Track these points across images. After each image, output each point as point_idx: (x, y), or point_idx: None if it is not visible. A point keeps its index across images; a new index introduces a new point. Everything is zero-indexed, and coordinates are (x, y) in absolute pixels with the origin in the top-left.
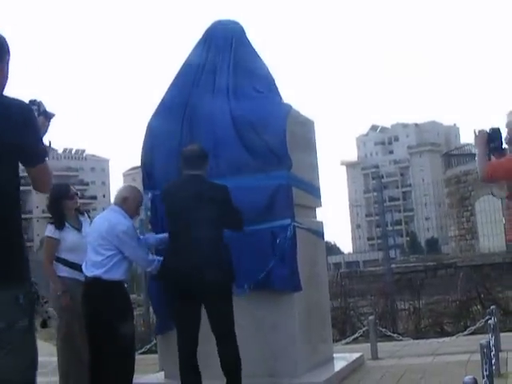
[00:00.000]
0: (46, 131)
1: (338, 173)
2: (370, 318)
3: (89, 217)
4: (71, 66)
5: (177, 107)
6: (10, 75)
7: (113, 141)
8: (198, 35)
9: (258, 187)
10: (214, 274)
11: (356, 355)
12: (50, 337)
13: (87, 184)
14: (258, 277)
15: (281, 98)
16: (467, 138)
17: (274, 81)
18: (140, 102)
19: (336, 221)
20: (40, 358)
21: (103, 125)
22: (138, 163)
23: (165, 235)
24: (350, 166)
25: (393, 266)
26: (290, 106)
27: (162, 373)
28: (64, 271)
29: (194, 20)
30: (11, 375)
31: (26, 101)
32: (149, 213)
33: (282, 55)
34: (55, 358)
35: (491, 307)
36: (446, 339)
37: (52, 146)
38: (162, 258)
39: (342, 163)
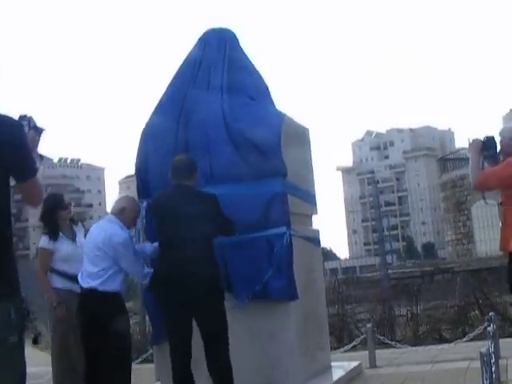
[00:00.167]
0: (36, 146)
1: (333, 178)
2: (368, 325)
3: (83, 226)
4: (65, 75)
5: (170, 114)
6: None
7: (108, 149)
8: (191, 44)
9: (253, 195)
10: (204, 282)
11: (354, 364)
12: (46, 346)
13: (83, 192)
14: (255, 288)
15: (274, 106)
16: (462, 142)
17: (267, 88)
18: (134, 111)
19: (332, 226)
20: (35, 369)
21: (98, 134)
22: (133, 172)
23: None
24: (346, 171)
25: (389, 271)
26: (283, 114)
27: (159, 383)
28: (59, 282)
29: (187, 31)
30: None
31: (17, 116)
32: (144, 221)
33: (275, 61)
34: (51, 369)
35: (490, 314)
36: (445, 346)
37: (46, 155)
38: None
39: (338, 169)
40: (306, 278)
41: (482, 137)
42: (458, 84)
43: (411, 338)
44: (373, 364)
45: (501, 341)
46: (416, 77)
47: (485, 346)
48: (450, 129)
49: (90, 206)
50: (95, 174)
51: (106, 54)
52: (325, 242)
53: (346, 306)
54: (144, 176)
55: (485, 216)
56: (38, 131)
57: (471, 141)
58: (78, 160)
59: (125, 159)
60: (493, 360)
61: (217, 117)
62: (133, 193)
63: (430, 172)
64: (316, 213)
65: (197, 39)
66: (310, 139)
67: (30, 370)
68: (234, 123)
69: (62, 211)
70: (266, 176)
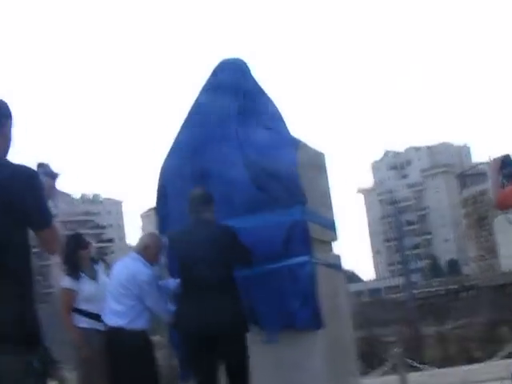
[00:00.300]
0: (53, 192)
1: (355, 200)
2: (396, 349)
3: (104, 262)
4: (82, 113)
5: (188, 149)
6: (14, 137)
7: (127, 183)
8: (205, 75)
9: (273, 224)
10: (227, 318)
11: None
12: None
13: (104, 227)
14: (282, 321)
15: (289, 133)
16: (479, 157)
17: (281, 116)
18: (152, 143)
19: (355, 248)
20: None
21: (117, 168)
22: (154, 204)
23: None
24: (366, 192)
25: (415, 291)
26: (299, 141)
27: None
28: (83, 322)
29: (201, 61)
30: None
31: (34, 164)
32: (165, 257)
33: (288, 87)
34: None
35: None
36: (475, 366)
37: (66, 192)
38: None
39: (359, 191)
40: (330, 304)
41: (500, 155)
42: (471, 98)
43: (440, 358)
44: None
45: None
46: (429, 94)
47: None
48: (465, 144)
49: (111, 240)
50: (115, 208)
51: (124, 89)
52: (347, 265)
53: (373, 328)
54: (164, 214)
55: (507, 230)
56: (54, 177)
57: (491, 160)
58: (98, 195)
59: (145, 192)
60: None
61: (232, 148)
62: (155, 225)
63: (450, 189)
64: (336, 239)
65: (210, 70)
66: (327, 164)
67: None
68: (250, 154)
69: (82, 251)
70: (286, 205)
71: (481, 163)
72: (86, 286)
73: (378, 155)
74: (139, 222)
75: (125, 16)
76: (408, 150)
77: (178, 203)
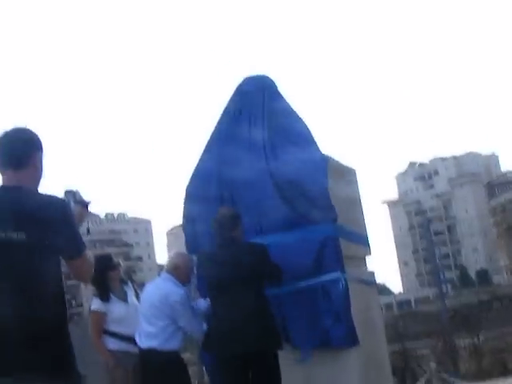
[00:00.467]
0: (83, 220)
1: (379, 212)
2: (431, 363)
3: (133, 280)
4: (106, 131)
5: (213, 169)
6: (45, 169)
7: (152, 201)
8: (230, 91)
9: (304, 242)
10: (259, 337)
11: None
12: None
13: (131, 246)
14: (316, 339)
15: (318, 149)
16: (508, 165)
17: (310, 133)
18: (177, 160)
19: (383, 260)
20: None
21: (142, 187)
22: (180, 222)
23: None
24: (392, 204)
25: (446, 301)
26: (328, 157)
27: None
28: (114, 344)
29: (224, 81)
30: None
31: (62, 191)
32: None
33: (314, 103)
34: None
35: None
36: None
37: (93, 212)
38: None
39: (384, 202)
40: (364, 320)
41: None
42: (498, 106)
43: (475, 371)
44: None
45: None
46: (454, 104)
47: None
48: (493, 153)
49: (140, 259)
50: (142, 227)
51: (149, 108)
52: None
53: (406, 342)
54: (192, 235)
55: None
56: (84, 204)
57: None
58: (124, 214)
59: (171, 209)
60: None
61: (261, 167)
62: (181, 243)
63: (478, 198)
64: (370, 253)
65: (234, 89)
66: (358, 179)
67: None
68: (280, 172)
69: (111, 272)
70: (317, 222)
71: (510, 171)
72: (115, 308)
73: (402, 167)
74: (164, 240)
75: (148, 38)
76: (433, 161)
77: (206, 224)
